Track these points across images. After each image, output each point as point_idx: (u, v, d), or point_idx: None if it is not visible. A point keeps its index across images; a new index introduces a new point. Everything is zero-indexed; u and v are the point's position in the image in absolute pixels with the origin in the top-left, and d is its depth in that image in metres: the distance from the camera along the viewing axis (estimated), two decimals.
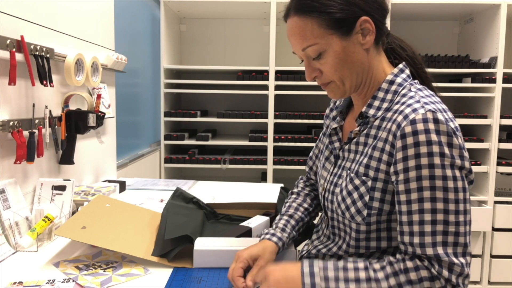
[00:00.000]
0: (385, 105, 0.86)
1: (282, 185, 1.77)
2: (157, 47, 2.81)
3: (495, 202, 2.75)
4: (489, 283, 2.83)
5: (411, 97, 0.82)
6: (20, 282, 0.90)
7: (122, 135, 2.14)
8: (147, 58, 2.72)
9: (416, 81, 0.90)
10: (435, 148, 0.75)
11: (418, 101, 0.80)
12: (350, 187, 0.87)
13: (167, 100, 2.86)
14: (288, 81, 2.71)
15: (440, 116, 0.76)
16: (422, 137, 0.75)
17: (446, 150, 0.75)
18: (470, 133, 2.91)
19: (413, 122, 0.76)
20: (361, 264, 0.77)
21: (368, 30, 0.84)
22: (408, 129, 0.76)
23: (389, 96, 0.86)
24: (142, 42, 2.64)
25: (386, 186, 0.82)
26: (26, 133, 1.20)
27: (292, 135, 2.80)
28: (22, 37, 1.15)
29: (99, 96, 1.59)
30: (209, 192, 1.74)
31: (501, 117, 2.70)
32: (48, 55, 1.26)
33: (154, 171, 2.75)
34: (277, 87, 2.74)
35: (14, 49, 1.11)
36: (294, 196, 1.11)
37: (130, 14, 2.38)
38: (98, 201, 1.21)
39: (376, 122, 0.86)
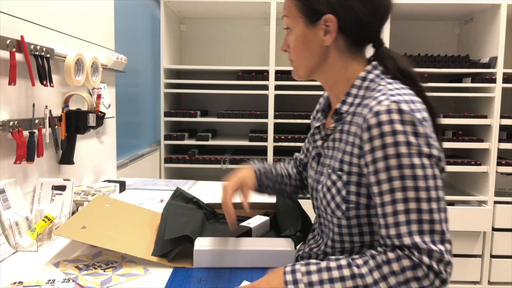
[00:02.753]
0: (357, 100, 0.88)
1: None
2: (157, 47, 2.81)
3: (495, 202, 2.75)
4: (489, 283, 2.83)
5: (379, 91, 0.83)
6: (20, 282, 0.90)
7: (122, 135, 2.14)
8: (147, 58, 2.72)
9: (388, 75, 0.89)
10: (401, 138, 0.75)
11: (384, 94, 0.80)
12: (328, 183, 0.89)
13: (167, 100, 2.86)
14: (288, 81, 2.71)
15: (404, 106, 0.77)
16: (387, 128, 0.76)
17: (412, 139, 0.75)
18: (470, 133, 2.91)
19: (377, 113, 0.77)
20: (343, 262, 0.77)
21: (329, 30, 0.87)
22: (373, 120, 0.77)
23: (361, 92, 0.88)
24: (142, 42, 2.64)
25: (360, 179, 0.83)
26: (26, 133, 1.20)
27: (292, 135, 2.80)
28: (22, 37, 1.15)
29: (99, 96, 1.59)
30: (209, 192, 1.74)
31: (501, 117, 2.70)
32: (48, 55, 1.26)
33: (154, 171, 2.75)
34: (277, 87, 2.74)
35: (14, 49, 1.11)
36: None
37: (130, 14, 2.38)
38: (98, 201, 1.21)
39: (348, 118, 0.88)
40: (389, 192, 0.76)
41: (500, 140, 2.71)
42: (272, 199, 1.36)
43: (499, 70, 2.66)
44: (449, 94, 2.78)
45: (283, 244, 1.01)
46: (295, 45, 0.91)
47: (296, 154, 1.21)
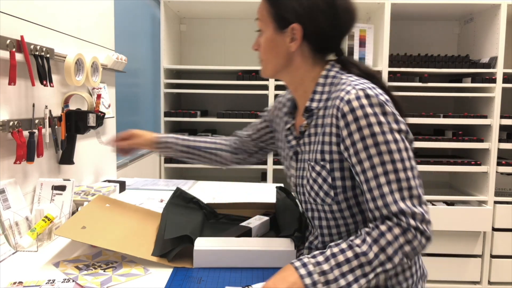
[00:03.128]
0: (324, 96, 0.97)
1: (281, 185, 1.77)
2: (157, 47, 2.81)
3: (495, 202, 2.75)
4: (489, 283, 2.83)
5: (343, 83, 0.92)
6: (20, 282, 0.90)
7: None
8: (147, 58, 2.72)
9: (345, 71, 0.99)
10: (372, 119, 0.85)
11: (349, 85, 0.90)
12: (313, 174, 0.96)
13: (167, 100, 2.86)
14: None
15: (369, 91, 0.87)
16: (359, 112, 0.85)
17: (382, 119, 0.85)
18: (470, 133, 2.91)
19: (348, 101, 0.87)
20: (344, 245, 0.83)
21: (295, 38, 0.96)
22: (346, 108, 0.87)
23: (326, 89, 0.98)
24: (142, 42, 2.64)
25: (342, 164, 0.92)
26: (26, 133, 1.20)
27: None
28: (22, 37, 1.15)
29: (99, 96, 1.59)
30: (209, 192, 1.74)
31: (501, 117, 2.70)
32: (48, 55, 1.26)
33: (154, 171, 2.75)
34: (277, 87, 2.74)
35: (14, 49, 1.11)
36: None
37: (130, 14, 2.38)
38: (98, 201, 1.21)
39: (320, 112, 0.96)
40: (371, 169, 0.85)
41: (500, 140, 2.71)
42: (272, 199, 1.36)
43: (499, 70, 2.66)
44: (449, 94, 2.78)
45: (283, 244, 1.01)
46: (264, 47, 1.01)
47: (239, 132, 1.36)
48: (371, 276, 0.80)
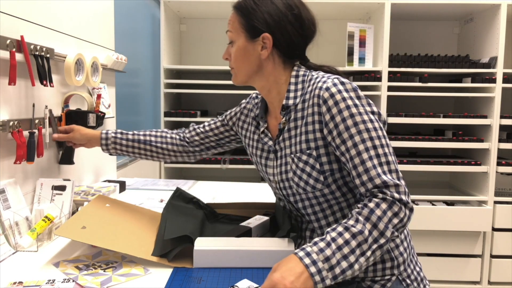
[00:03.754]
0: (299, 93, 1.05)
1: None
2: (157, 47, 2.81)
3: (495, 202, 2.75)
4: (489, 283, 2.83)
5: (316, 78, 1.02)
6: (20, 282, 0.90)
7: None
8: (147, 58, 2.72)
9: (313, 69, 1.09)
10: (350, 102, 0.94)
11: (323, 76, 1.01)
12: (300, 164, 1.02)
13: (167, 100, 2.86)
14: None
15: (343, 79, 0.98)
16: (338, 97, 0.95)
17: (357, 102, 0.95)
18: (470, 133, 2.91)
19: (327, 89, 0.96)
20: (340, 228, 0.87)
21: (265, 46, 1.04)
22: (326, 94, 0.96)
23: (299, 86, 1.05)
24: (142, 42, 2.64)
25: (327, 149, 1.00)
26: (26, 133, 1.20)
27: None
28: (22, 37, 1.15)
29: (99, 96, 1.59)
30: (209, 192, 1.74)
31: (501, 117, 2.70)
32: (48, 55, 1.26)
33: (154, 171, 2.75)
34: None
35: (14, 49, 1.11)
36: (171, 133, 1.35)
37: (130, 14, 2.38)
38: (98, 201, 1.21)
39: (299, 106, 1.03)
40: (353, 147, 0.93)
41: (500, 140, 2.71)
42: (272, 199, 1.36)
43: (499, 70, 2.66)
44: (449, 94, 2.77)
45: (283, 244, 1.01)
46: (236, 56, 1.07)
47: (195, 126, 1.36)
48: (368, 253, 0.85)
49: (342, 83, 0.96)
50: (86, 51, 1.58)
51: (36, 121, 1.25)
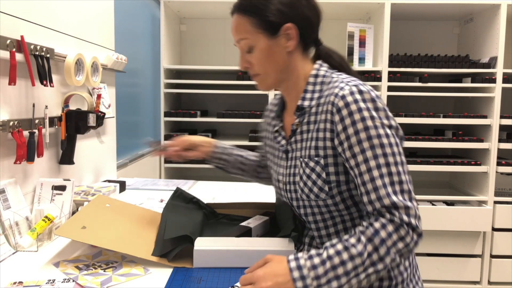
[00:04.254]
0: (316, 95, 0.99)
1: None
2: (157, 47, 2.81)
3: (495, 202, 2.75)
4: (489, 283, 2.83)
5: (335, 81, 0.95)
6: (20, 282, 0.90)
7: (122, 135, 2.14)
8: (147, 58, 2.72)
9: (335, 70, 1.03)
10: (365, 113, 0.87)
11: (342, 82, 0.93)
12: (307, 170, 0.97)
13: (167, 100, 2.86)
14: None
15: (362, 87, 0.90)
16: (353, 107, 0.88)
17: (374, 114, 0.88)
18: (470, 133, 2.91)
19: (343, 97, 0.89)
20: (340, 246, 0.83)
21: (291, 36, 0.97)
22: (341, 103, 0.89)
23: (317, 87, 0.99)
24: (142, 42, 2.64)
25: (336, 159, 0.94)
26: (26, 133, 1.20)
27: None
28: (22, 37, 1.15)
29: (99, 96, 1.59)
30: (209, 192, 1.74)
31: (501, 117, 2.70)
32: (48, 55, 1.26)
33: (154, 171, 2.75)
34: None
35: (14, 49, 1.11)
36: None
37: (130, 14, 2.38)
38: (98, 201, 1.21)
39: (313, 110, 0.98)
40: (364, 162, 0.87)
41: (500, 140, 2.71)
42: (272, 199, 1.36)
43: (499, 70, 2.66)
44: (449, 94, 2.77)
45: (283, 244, 1.01)
46: (260, 59, 0.99)
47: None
48: (362, 276, 0.81)
49: (360, 92, 0.89)
50: (86, 51, 1.58)
51: (36, 121, 1.25)
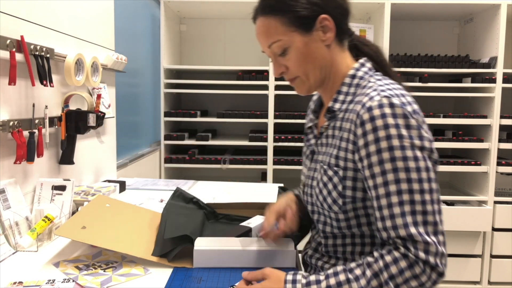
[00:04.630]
0: (349, 98, 0.91)
1: (281, 185, 1.77)
2: (157, 47, 2.81)
3: (495, 202, 2.75)
4: (489, 283, 2.83)
5: (370, 87, 0.86)
6: (20, 282, 0.90)
7: (122, 135, 2.14)
8: (147, 58, 2.72)
9: (378, 73, 0.94)
10: (393, 131, 0.77)
11: (375, 90, 0.83)
12: (325, 178, 0.91)
13: (167, 100, 2.86)
14: (288, 81, 2.70)
15: (395, 100, 0.80)
16: (379, 122, 0.78)
17: (404, 132, 0.78)
18: (470, 133, 2.91)
19: (369, 109, 0.80)
20: (342, 277, 0.78)
21: (328, 28, 0.89)
22: (366, 116, 0.80)
23: (352, 90, 0.91)
24: (142, 42, 2.64)
25: (356, 174, 0.86)
26: (26, 133, 1.20)
27: (292, 135, 2.80)
28: (22, 37, 1.15)
29: (99, 96, 1.59)
30: (209, 192, 1.74)
31: (501, 117, 2.70)
32: (48, 55, 1.26)
33: (154, 171, 2.75)
34: (277, 87, 2.74)
35: (14, 49, 1.11)
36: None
37: (130, 14, 2.38)
38: (98, 201, 1.21)
39: (341, 114, 0.91)
40: (383, 185, 0.78)
41: (500, 140, 2.71)
42: (272, 199, 1.36)
43: (499, 70, 2.66)
44: (449, 94, 2.77)
45: (283, 244, 1.01)
46: (299, 59, 0.90)
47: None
48: None
49: (391, 105, 0.78)
50: (86, 51, 1.58)
51: (36, 121, 1.25)
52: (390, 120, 0.78)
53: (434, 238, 0.75)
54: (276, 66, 0.94)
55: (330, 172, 0.89)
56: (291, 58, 0.91)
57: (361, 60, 0.94)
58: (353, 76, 0.92)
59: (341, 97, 0.92)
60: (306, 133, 1.05)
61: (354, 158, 0.84)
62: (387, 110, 0.78)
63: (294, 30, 0.89)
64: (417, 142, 0.78)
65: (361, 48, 0.97)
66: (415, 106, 0.83)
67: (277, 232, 1.00)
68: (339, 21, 0.91)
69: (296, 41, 0.89)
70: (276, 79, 2.70)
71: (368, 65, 0.94)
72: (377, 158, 0.79)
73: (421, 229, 0.75)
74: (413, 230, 0.75)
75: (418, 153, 0.78)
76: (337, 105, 0.92)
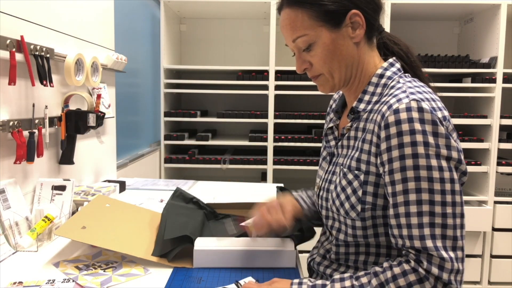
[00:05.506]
0: (374, 98, 0.86)
1: (281, 185, 1.77)
2: (157, 47, 2.81)
3: (495, 202, 2.75)
4: (489, 283, 2.83)
5: (398, 88, 0.82)
6: (20, 282, 0.90)
7: (122, 135, 2.14)
8: (147, 58, 2.72)
9: (407, 74, 0.89)
10: (419, 138, 0.73)
11: (404, 91, 0.79)
12: (343, 182, 0.87)
13: (167, 100, 2.86)
14: (288, 81, 2.71)
15: (425, 105, 0.75)
16: (405, 126, 0.74)
17: (431, 140, 0.73)
18: (470, 133, 2.91)
19: (396, 111, 0.75)
20: (347, 283, 0.77)
21: (358, 24, 0.84)
22: (392, 118, 0.75)
23: (378, 90, 0.87)
24: (142, 42, 2.64)
25: (378, 179, 0.82)
26: (26, 133, 1.20)
27: (292, 135, 2.80)
28: (22, 37, 1.15)
29: (99, 96, 1.59)
30: (209, 192, 1.74)
31: (501, 117, 2.70)
32: (48, 55, 1.26)
33: (154, 171, 2.75)
34: (277, 87, 2.74)
35: (14, 49, 1.11)
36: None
37: (130, 14, 2.38)
38: (98, 201, 1.21)
39: (365, 115, 0.86)
40: (403, 193, 0.74)
41: (500, 140, 2.71)
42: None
43: (499, 70, 2.66)
44: (449, 94, 2.77)
45: (283, 244, 1.01)
46: (323, 56, 0.85)
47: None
48: None
49: (420, 110, 0.74)
50: (86, 51, 1.57)
51: (36, 121, 1.24)
52: (417, 126, 0.73)
53: (452, 254, 0.72)
54: (300, 61, 0.90)
55: (350, 176, 0.85)
56: (317, 54, 0.86)
57: (390, 60, 0.90)
58: (381, 76, 0.87)
59: (366, 97, 0.87)
60: (326, 133, 1.00)
61: (376, 162, 0.80)
62: (415, 115, 0.74)
63: (321, 25, 0.83)
64: (443, 151, 0.74)
65: (390, 47, 0.93)
66: (446, 113, 0.79)
67: (260, 223, 0.99)
68: (370, 17, 0.85)
69: (323, 36, 0.84)
70: (276, 79, 2.70)
71: (397, 65, 0.89)
72: (399, 164, 0.74)
73: (439, 243, 0.72)
74: (429, 243, 0.72)
75: (444, 163, 0.74)
76: (362, 106, 0.87)
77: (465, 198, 2.81)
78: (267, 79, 2.72)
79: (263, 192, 1.72)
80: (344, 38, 0.85)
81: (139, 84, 2.59)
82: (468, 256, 2.82)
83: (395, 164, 0.75)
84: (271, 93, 2.72)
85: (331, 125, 0.99)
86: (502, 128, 2.73)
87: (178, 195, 1.30)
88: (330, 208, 0.91)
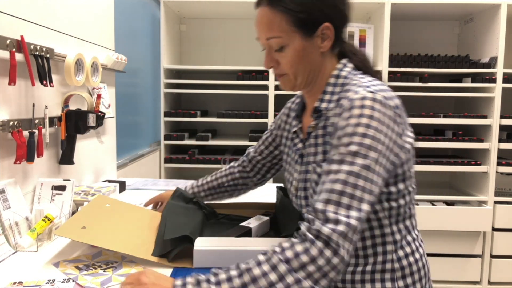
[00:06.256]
0: (335, 97, 0.92)
1: (281, 185, 1.77)
2: (157, 47, 2.81)
3: (495, 202, 2.75)
4: (489, 283, 2.83)
5: (354, 85, 0.88)
6: (20, 282, 0.90)
7: (122, 135, 2.14)
8: (147, 58, 2.72)
9: (359, 72, 0.95)
10: (364, 121, 0.78)
11: (360, 86, 0.85)
12: (315, 177, 0.92)
13: (167, 100, 2.86)
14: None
15: (378, 96, 0.81)
16: (356, 111, 0.79)
17: (377, 115, 0.79)
18: (470, 133, 2.91)
19: (351, 100, 0.82)
20: (242, 266, 0.79)
21: (327, 36, 0.91)
22: (347, 104, 0.82)
23: (337, 89, 0.93)
24: (142, 42, 2.64)
25: None
26: (26, 133, 1.20)
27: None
28: (22, 37, 1.15)
29: (99, 96, 1.59)
30: None
31: (501, 117, 2.70)
32: (48, 55, 1.26)
33: (154, 171, 2.75)
34: (277, 87, 2.74)
35: (14, 49, 1.11)
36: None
37: (130, 14, 2.38)
38: (98, 201, 1.21)
39: (330, 113, 0.92)
40: (331, 163, 0.79)
41: (500, 140, 2.71)
42: (272, 199, 1.36)
43: (499, 70, 2.66)
44: (449, 94, 2.77)
45: None
46: (293, 60, 0.91)
47: (250, 151, 1.28)
48: None
49: (374, 99, 0.80)
50: (86, 51, 1.58)
51: (36, 121, 1.25)
52: (366, 111, 0.79)
53: (344, 219, 0.73)
54: (269, 58, 0.95)
55: (318, 169, 0.91)
56: (286, 57, 0.91)
57: (343, 61, 0.96)
58: (337, 76, 0.94)
59: (327, 97, 0.93)
60: (292, 138, 1.05)
61: None
62: (368, 102, 0.80)
63: (296, 31, 0.89)
64: (381, 137, 0.78)
65: (349, 57, 0.97)
66: (397, 101, 0.84)
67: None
68: (338, 30, 0.92)
69: (295, 42, 0.90)
70: (276, 79, 2.70)
71: (350, 65, 0.96)
72: (342, 132, 0.80)
73: (341, 210, 0.74)
74: (329, 207, 0.74)
75: (379, 146, 0.78)
76: (324, 105, 0.93)
77: (465, 198, 2.84)
78: (267, 79, 2.72)
79: (263, 192, 1.72)
80: (313, 47, 0.91)
81: (139, 84, 2.59)
82: (468, 256, 2.82)
83: (339, 132, 0.80)
84: (271, 93, 2.72)
85: (294, 129, 1.04)
86: (502, 128, 2.73)
87: (178, 195, 1.30)
88: (310, 205, 0.92)
